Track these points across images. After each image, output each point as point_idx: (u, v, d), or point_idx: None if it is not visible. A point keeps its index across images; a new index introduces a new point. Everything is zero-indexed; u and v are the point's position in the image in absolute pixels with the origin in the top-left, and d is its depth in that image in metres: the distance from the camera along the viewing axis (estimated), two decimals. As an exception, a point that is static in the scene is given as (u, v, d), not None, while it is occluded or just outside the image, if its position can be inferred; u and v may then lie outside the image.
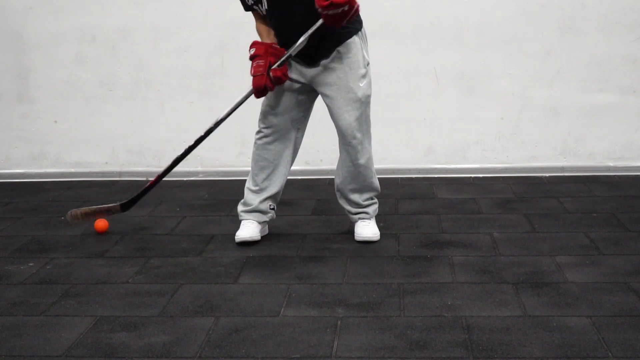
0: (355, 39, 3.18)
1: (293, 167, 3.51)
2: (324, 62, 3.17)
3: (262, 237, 3.43)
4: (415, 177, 4.59)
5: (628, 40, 4.47)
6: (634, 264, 3.05)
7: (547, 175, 4.56)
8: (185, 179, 4.62)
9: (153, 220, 3.81)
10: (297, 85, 3.24)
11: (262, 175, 3.38)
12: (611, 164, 4.58)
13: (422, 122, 4.62)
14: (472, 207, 3.91)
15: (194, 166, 4.67)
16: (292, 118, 3.30)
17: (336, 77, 3.17)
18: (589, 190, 4.20)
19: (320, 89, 3.23)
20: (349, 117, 3.20)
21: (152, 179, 3.50)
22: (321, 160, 4.63)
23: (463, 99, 4.58)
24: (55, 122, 4.77)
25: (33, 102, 4.76)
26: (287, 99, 3.26)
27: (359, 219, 3.42)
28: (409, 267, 3.08)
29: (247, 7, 3.19)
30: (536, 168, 4.59)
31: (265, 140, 3.33)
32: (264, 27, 3.19)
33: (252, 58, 3.13)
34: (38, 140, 4.79)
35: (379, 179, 3.49)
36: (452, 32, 4.52)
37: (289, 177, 3.49)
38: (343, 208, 3.47)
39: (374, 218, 3.46)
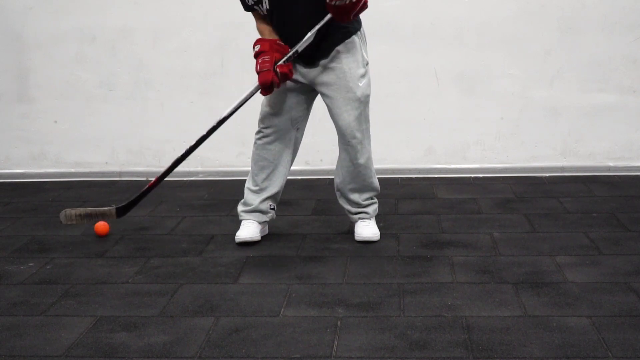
0: (354, 39, 3.18)
1: (293, 167, 3.51)
2: (323, 62, 3.17)
3: (262, 237, 3.43)
4: (415, 177, 4.59)
5: (628, 40, 4.47)
6: (634, 264, 3.05)
7: (547, 175, 4.56)
8: (185, 179, 4.62)
9: (153, 220, 3.81)
10: (296, 85, 3.24)
11: (262, 175, 3.38)
12: (611, 164, 4.58)
13: (422, 122, 4.62)
14: (472, 207, 3.91)
15: (194, 166, 4.67)
16: (291, 118, 3.30)
17: (335, 76, 3.17)
18: (589, 190, 4.20)
19: (319, 88, 3.23)
20: (348, 116, 3.20)
21: (152, 179, 3.48)
22: (321, 160, 4.63)
23: (463, 99, 4.58)
24: (55, 122, 4.77)
25: (33, 102, 4.76)
26: (287, 99, 3.26)
27: (359, 218, 3.42)
28: (409, 267, 3.08)
29: (247, 7, 3.18)
30: (536, 168, 4.59)
31: (265, 140, 3.33)
32: (265, 26, 3.19)
33: (257, 55, 3.11)
34: (38, 140, 4.79)
35: (379, 179, 3.49)
36: (452, 32, 4.52)
37: (289, 177, 3.49)
38: (343, 208, 3.47)
39: (374, 218, 3.46)
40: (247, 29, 3.26)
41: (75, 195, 4.40)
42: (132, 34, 4.64)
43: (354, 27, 3.17)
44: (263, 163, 3.36)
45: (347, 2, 2.93)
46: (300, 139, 3.41)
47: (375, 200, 3.47)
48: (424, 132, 4.63)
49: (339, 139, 3.30)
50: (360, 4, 3.00)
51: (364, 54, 3.22)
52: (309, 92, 3.30)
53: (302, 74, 3.21)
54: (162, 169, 4.65)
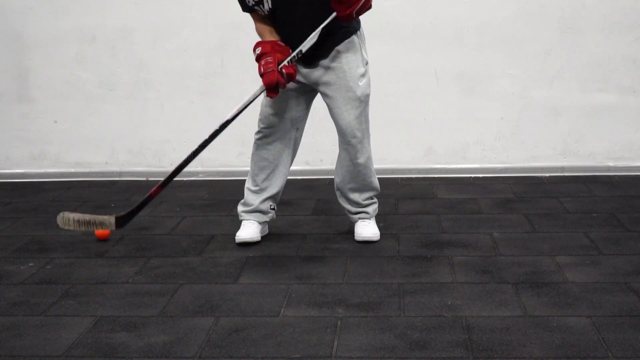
0: (354, 39, 3.18)
1: (293, 167, 3.51)
2: (323, 61, 3.17)
3: (262, 237, 3.43)
4: (415, 177, 4.59)
5: (628, 40, 4.47)
6: (634, 264, 3.05)
7: (547, 175, 4.56)
8: (185, 179, 4.62)
9: (153, 220, 3.81)
10: (296, 86, 3.24)
11: (262, 176, 3.38)
12: (611, 164, 4.58)
13: (422, 122, 4.62)
14: (472, 207, 3.91)
15: (194, 166, 4.66)
16: (291, 118, 3.30)
17: (336, 76, 3.17)
18: (589, 190, 4.20)
19: (320, 88, 3.23)
20: (348, 116, 3.20)
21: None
22: (321, 160, 4.63)
23: (463, 99, 4.58)
24: (55, 122, 4.77)
25: (33, 102, 4.76)
26: (287, 99, 3.25)
27: (359, 218, 3.42)
28: (409, 267, 3.08)
29: (246, 8, 3.17)
30: (536, 168, 4.59)
31: (264, 140, 3.33)
32: (265, 28, 3.18)
33: (258, 57, 3.08)
34: (38, 140, 4.79)
35: (379, 179, 3.49)
36: (452, 32, 4.52)
37: (289, 177, 3.49)
38: (343, 207, 3.47)
39: (374, 218, 3.46)
40: (247, 29, 3.26)
41: (75, 195, 4.40)
42: (132, 34, 4.64)
43: (354, 27, 3.17)
44: (263, 163, 3.36)
45: None
46: (299, 139, 3.41)
47: (375, 200, 3.47)
48: (424, 132, 4.63)
49: (339, 139, 3.30)
50: (364, 1, 3.00)
51: (364, 53, 3.23)
52: (309, 92, 3.30)
53: (302, 74, 3.20)
54: (162, 169, 4.71)
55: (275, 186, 3.39)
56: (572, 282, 2.88)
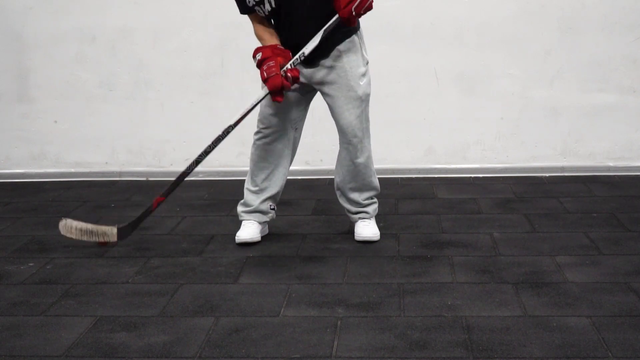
0: (354, 38, 3.18)
1: (293, 167, 3.51)
2: (323, 61, 3.17)
3: (262, 237, 3.43)
4: (415, 177, 4.59)
5: (628, 40, 4.47)
6: (634, 264, 3.05)
7: (547, 175, 4.56)
8: (185, 179, 4.61)
9: (153, 220, 3.81)
10: (296, 86, 3.23)
11: (262, 176, 3.38)
12: (611, 164, 4.58)
13: (422, 122, 4.62)
14: (472, 207, 3.91)
15: (194, 166, 4.67)
16: (290, 118, 3.30)
17: (337, 75, 3.17)
18: (589, 190, 4.20)
19: (320, 88, 3.23)
20: (349, 115, 3.20)
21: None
22: (321, 160, 4.63)
23: (463, 99, 4.58)
24: (55, 122, 4.77)
25: (33, 102, 4.76)
26: (286, 100, 3.24)
27: (359, 218, 3.42)
28: (409, 267, 3.08)
29: (245, 9, 3.16)
30: (536, 168, 4.59)
31: (264, 140, 3.33)
32: (264, 31, 3.17)
33: (260, 63, 3.07)
34: (38, 140, 4.79)
35: (379, 178, 3.49)
36: (452, 32, 4.52)
37: (289, 177, 3.49)
38: (343, 207, 3.47)
39: (374, 218, 3.46)
40: (247, 29, 3.25)
41: (75, 195, 4.40)
42: (132, 34, 4.64)
43: (354, 26, 3.17)
44: (262, 164, 3.36)
45: None
46: (298, 139, 3.41)
47: (375, 200, 3.47)
48: (424, 132, 4.63)
49: (339, 138, 3.30)
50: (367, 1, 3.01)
51: (364, 53, 3.23)
52: (308, 92, 3.30)
53: (303, 74, 3.20)
54: (162, 169, 4.71)
55: (275, 186, 3.39)
56: (572, 282, 2.88)
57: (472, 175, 4.59)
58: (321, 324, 2.56)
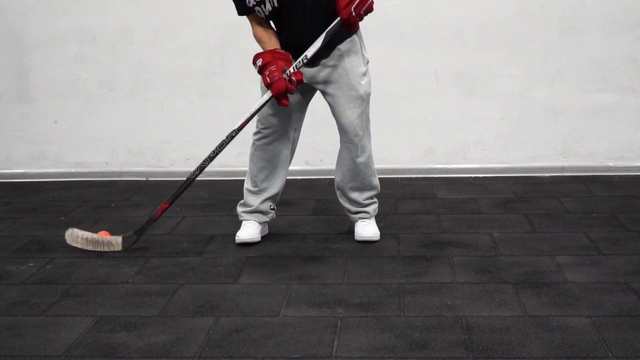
0: (354, 38, 3.19)
1: (293, 168, 3.52)
2: (324, 61, 3.17)
3: (262, 237, 3.43)
4: (415, 177, 4.59)
5: (628, 40, 4.47)
6: (634, 264, 3.05)
7: (547, 175, 4.56)
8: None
9: (153, 220, 3.81)
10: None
11: (262, 176, 3.38)
12: (611, 164, 4.58)
13: (422, 122, 4.62)
14: (472, 207, 3.91)
15: (194, 166, 4.66)
16: (290, 118, 3.30)
17: (338, 75, 3.18)
18: (589, 190, 4.20)
19: (321, 87, 3.23)
20: (351, 114, 3.20)
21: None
22: (321, 160, 4.63)
23: (463, 99, 4.58)
24: (55, 122, 4.77)
25: (33, 102, 4.76)
26: (286, 100, 3.25)
27: (359, 218, 3.42)
28: (409, 267, 3.08)
29: (244, 10, 3.16)
30: (536, 168, 4.59)
31: (263, 141, 3.33)
32: (264, 33, 3.17)
33: (261, 69, 3.06)
34: (38, 140, 4.80)
35: (379, 178, 3.49)
36: (452, 32, 4.52)
37: (288, 177, 3.49)
38: (343, 207, 3.47)
39: (374, 218, 3.46)
40: (247, 29, 3.25)
41: (75, 195, 4.40)
42: (132, 34, 4.64)
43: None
44: (262, 164, 3.36)
45: None
46: (297, 139, 3.41)
47: (376, 200, 3.47)
48: (424, 132, 4.63)
49: (340, 137, 3.30)
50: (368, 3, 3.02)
51: (364, 52, 3.24)
52: (308, 92, 3.30)
53: (304, 74, 3.19)
54: (162, 169, 4.72)
55: (275, 187, 3.39)
56: (572, 282, 2.88)
57: (472, 175, 4.59)
58: (321, 324, 2.56)
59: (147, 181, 4.67)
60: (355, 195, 3.40)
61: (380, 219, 3.56)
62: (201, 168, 3.29)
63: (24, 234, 3.65)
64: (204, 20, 4.59)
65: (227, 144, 3.24)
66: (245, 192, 3.43)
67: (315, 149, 4.57)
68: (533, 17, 4.48)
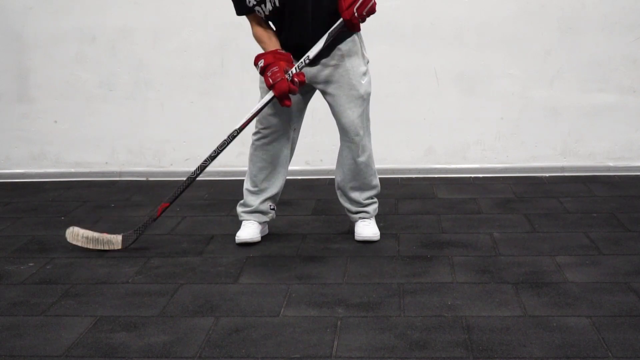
0: (355, 38, 3.19)
1: (293, 168, 3.52)
2: (324, 60, 3.17)
3: (262, 237, 3.43)
4: (415, 177, 4.59)
5: (628, 40, 4.47)
6: (634, 264, 3.05)
7: (547, 175, 4.56)
8: (185, 179, 4.61)
9: (153, 220, 3.81)
10: (297, 86, 3.24)
11: (261, 176, 3.38)
12: (611, 164, 4.58)
13: (422, 122, 4.62)
14: (472, 207, 3.91)
15: (194, 166, 4.66)
16: (289, 118, 3.30)
17: (338, 74, 3.18)
18: (589, 190, 4.20)
19: (321, 87, 3.23)
20: (352, 114, 3.21)
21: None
22: (321, 160, 4.63)
23: (463, 99, 4.58)
24: (55, 122, 4.77)
25: (33, 102, 4.76)
26: (286, 100, 3.25)
27: (360, 218, 3.42)
28: (409, 267, 3.08)
29: (244, 9, 3.15)
30: (536, 168, 4.59)
31: (263, 141, 3.33)
32: (264, 33, 3.17)
33: (263, 70, 3.06)
34: (38, 140, 4.80)
35: (379, 178, 3.48)
36: (452, 32, 4.52)
37: (288, 177, 3.49)
38: (343, 207, 3.47)
39: (374, 218, 3.46)
40: (247, 29, 3.25)
41: (75, 195, 4.40)
42: (132, 34, 4.64)
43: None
44: (262, 164, 3.36)
45: None
46: (296, 139, 3.41)
47: (376, 200, 3.47)
48: (424, 132, 4.63)
49: (341, 137, 3.30)
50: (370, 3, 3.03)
51: (364, 52, 3.24)
52: (307, 92, 3.30)
53: (305, 73, 3.20)
54: (162, 169, 4.72)
55: (275, 187, 3.39)
56: (572, 282, 2.88)
57: (472, 175, 4.59)
58: (321, 324, 2.56)
59: (147, 181, 4.67)
60: (355, 195, 3.40)
61: (380, 219, 3.56)
62: (202, 168, 3.29)
63: (24, 234, 3.65)
64: (204, 20, 4.59)
65: (228, 143, 3.24)
66: (245, 192, 3.43)
67: (315, 149, 4.57)
68: (533, 17, 4.48)
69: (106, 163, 4.79)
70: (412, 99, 4.59)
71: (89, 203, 4.20)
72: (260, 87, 3.24)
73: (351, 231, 3.47)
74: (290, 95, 3.07)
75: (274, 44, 3.14)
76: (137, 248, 3.38)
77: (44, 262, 3.25)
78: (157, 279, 3.03)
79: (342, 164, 3.36)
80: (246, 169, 3.45)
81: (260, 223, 3.43)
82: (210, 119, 4.60)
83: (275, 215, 3.48)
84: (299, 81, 3.06)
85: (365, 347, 2.39)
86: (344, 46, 3.16)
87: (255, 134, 3.34)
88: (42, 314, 2.71)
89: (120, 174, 4.75)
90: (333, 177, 3.46)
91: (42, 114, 4.76)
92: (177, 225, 3.74)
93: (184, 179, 3.36)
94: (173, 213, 3.91)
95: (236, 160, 4.59)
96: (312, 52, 3.09)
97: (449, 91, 4.58)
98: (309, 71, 3.19)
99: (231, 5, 3.20)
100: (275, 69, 3.03)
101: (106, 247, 3.33)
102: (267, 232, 3.49)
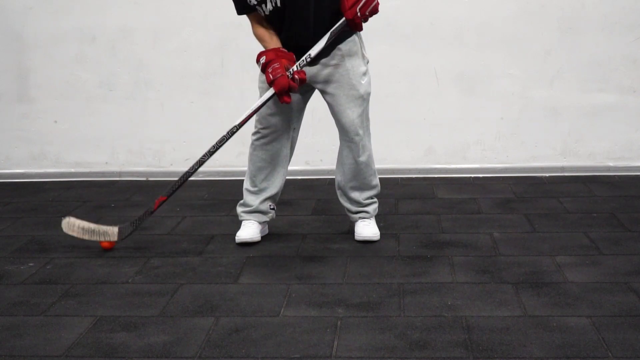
0: (355, 38, 3.19)
1: (293, 168, 3.52)
2: (325, 60, 3.17)
3: (262, 237, 3.43)
4: (415, 177, 4.59)
5: (628, 40, 4.47)
6: (634, 264, 3.05)
7: (547, 175, 4.56)
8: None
9: (153, 220, 3.80)
10: (297, 86, 3.24)
11: (261, 176, 3.38)
12: (611, 164, 4.58)
13: (422, 122, 4.62)
14: (472, 207, 3.91)
15: (194, 166, 4.67)
16: (289, 118, 3.30)
17: (338, 74, 3.18)
18: (589, 190, 4.20)
19: (321, 87, 3.23)
20: (352, 113, 3.21)
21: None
22: (321, 160, 4.63)
23: (463, 99, 4.58)
24: (55, 122, 4.77)
25: (33, 102, 4.76)
26: (285, 99, 3.25)
27: (360, 218, 3.42)
28: (409, 267, 3.08)
29: (245, 9, 3.15)
30: (536, 168, 4.59)
31: (262, 141, 3.33)
32: (264, 32, 3.17)
33: (264, 66, 3.06)
34: (38, 140, 4.80)
35: (379, 178, 3.49)
36: (452, 32, 4.52)
37: (288, 177, 3.49)
38: (343, 206, 3.47)
39: (374, 218, 3.46)
40: (247, 29, 3.25)
41: (75, 195, 4.40)
42: (132, 34, 4.64)
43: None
44: (261, 164, 3.36)
45: None
46: (296, 138, 3.41)
47: (376, 200, 3.47)
48: (424, 132, 4.63)
49: (341, 137, 3.30)
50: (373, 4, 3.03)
51: (364, 52, 3.24)
52: (307, 91, 3.30)
53: (306, 73, 3.20)
54: (162, 169, 4.72)
55: (274, 186, 3.39)
56: (572, 282, 2.88)
57: (472, 175, 4.59)
58: (321, 324, 2.56)
59: (147, 181, 4.67)
60: (355, 195, 3.40)
61: (380, 219, 3.56)
62: (201, 162, 3.28)
63: (24, 234, 3.65)
64: (204, 20, 4.59)
65: (227, 139, 3.23)
66: (244, 192, 3.43)
67: (315, 149, 4.57)
68: (533, 17, 4.48)
69: (106, 163, 4.79)
70: (412, 99, 4.59)
71: (89, 203, 4.20)
72: (259, 87, 3.24)
73: (351, 231, 3.47)
74: (290, 93, 3.07)
75: (275, 43, 3.14)
76: (137, 248, 3.38)
77: (44, 262, 3.25)
78: (157, 279, 3.03)
79: (342, 164, 3.36)
80: (246, 168, 3.45)
81: (260, 223, 3.43)
82: (210, 119, 4.60)
83: (275, 215, 3.48)
84: (300, 79, 3.06)
85: (365, 347, 2.39)
86: (344, 46, 3.16)
87: (254, 133, 3.34)
88: (42, 314, 2.71)
89: (120, 174, 4.75)
90: (333, 177, 3.46)
91: (42, 114, 4.76)
92: (177, 225, 3.74)
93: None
94: (173, 213, 3.92)
95: (236, 160, 4.59)
96: (314, 51, 3.09)
97: (449, 91, 4.58)
98: (310, 71, 3.19)
99: (231, 5, 3.20)
100: (276, 65, 3.03)
101: (102, 239, 3.31)
102: (267, 232, 3.49)
